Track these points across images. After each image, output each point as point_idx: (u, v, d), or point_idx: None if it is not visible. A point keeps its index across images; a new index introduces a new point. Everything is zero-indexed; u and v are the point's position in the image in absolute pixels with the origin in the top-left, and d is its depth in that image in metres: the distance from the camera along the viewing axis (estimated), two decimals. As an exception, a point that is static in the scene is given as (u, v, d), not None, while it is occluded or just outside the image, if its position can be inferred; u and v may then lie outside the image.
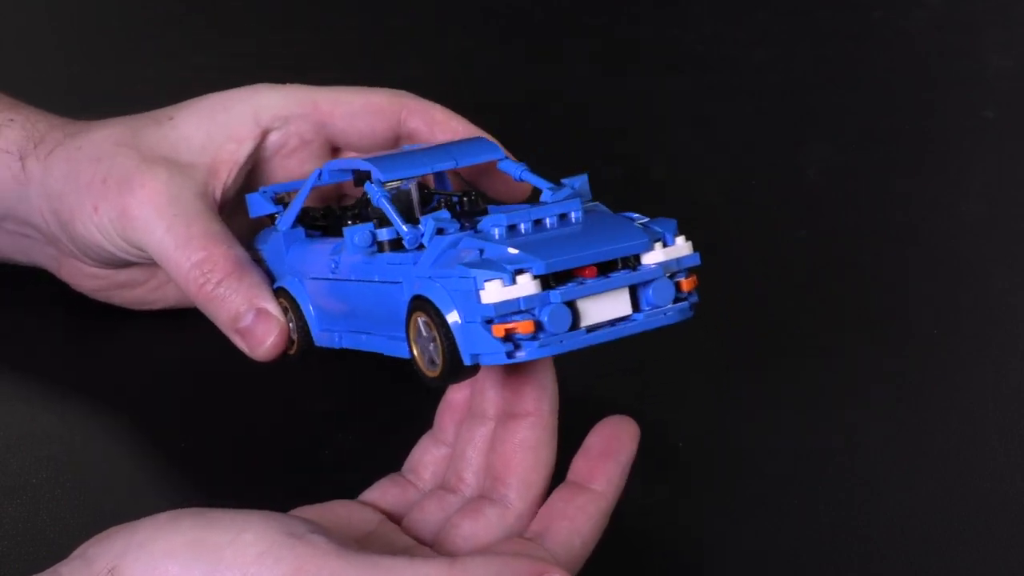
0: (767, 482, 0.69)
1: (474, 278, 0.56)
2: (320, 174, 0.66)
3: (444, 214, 0.60)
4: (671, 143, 0.98)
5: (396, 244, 0.61)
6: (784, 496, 0.68)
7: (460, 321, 0.57)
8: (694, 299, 0.59)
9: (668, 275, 0.58)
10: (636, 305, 0.58)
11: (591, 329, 0.57)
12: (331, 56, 1.08)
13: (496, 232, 0.58)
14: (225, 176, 0.71)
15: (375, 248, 0.62)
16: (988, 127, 0.99)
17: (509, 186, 0.71)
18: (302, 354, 0.67)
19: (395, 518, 0.62)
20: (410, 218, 0.63)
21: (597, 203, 0.62)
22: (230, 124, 0.71)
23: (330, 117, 0.72)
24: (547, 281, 0.56)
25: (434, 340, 0.58)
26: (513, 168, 0.65)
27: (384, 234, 0.62)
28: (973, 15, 1.13)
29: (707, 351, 0.77)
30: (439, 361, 0.58)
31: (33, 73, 1.04)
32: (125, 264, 0.73)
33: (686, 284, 0.59)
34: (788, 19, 1.13)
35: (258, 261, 0.70)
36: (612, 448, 0.60)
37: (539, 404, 0.61)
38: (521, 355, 0.56)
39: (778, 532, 0.66)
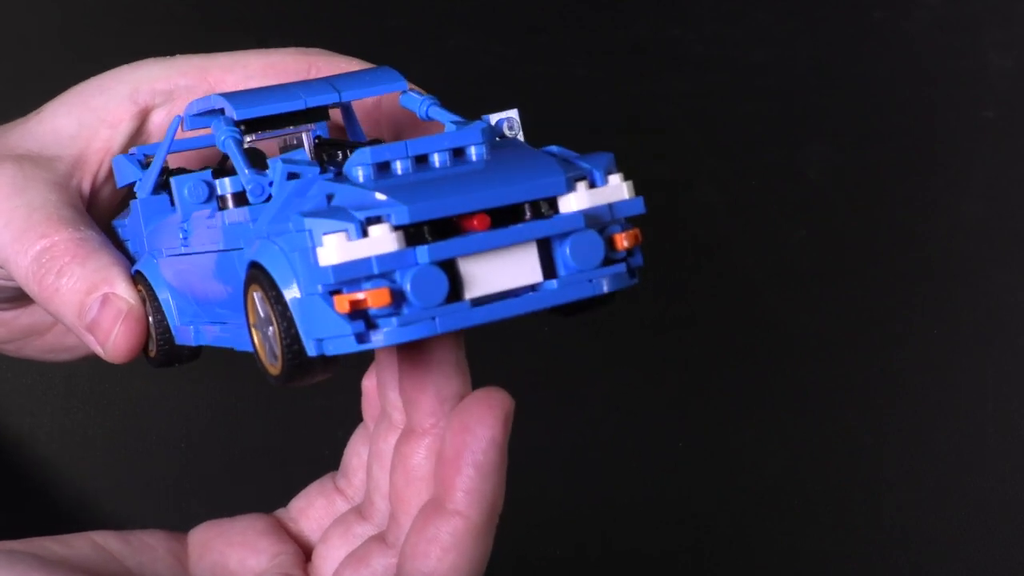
0: (767, 482, 0.69)
1: (309, 231, 0.41)
2: (181, 121, 0.52)
3: (299, 154, 0.46)
4: (671, 143, 0.98)
5: (244, 199, 0.47)
6: (784, 496, 0.68)
7: (300, 294, 0.42)
8: (637, 261, 0.45)
9: (596, 227, 0.44)
10: (550, 269, 0.43)
11: (479, 302, 0.42)
12: (331, 56, 1.08)
13: (360, 173, 0.43)
14: (96, 166, 0.59)
15: (215, 205, 0.48)
16: (988, 127, 0.99)
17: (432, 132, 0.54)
18: (166, 357, 0.53)
19: (308, 547, 0.54)
20: None
21: (515, 138, 0.48)
22: (105, 107, 0.60)
23: (223, 85, 0.59)
24: (419, 235, 0.42)
25: (271, 323, 0.44)
26: (418, 103, 0.49)
27: (227, 186, 0.47)
28: (973, 15, 1.12)
29: (707, 351, 0.77)
30: (278, 352, 0.44)
31: (32, 74, 1.04)
32: (3, 298, 0.61)
33: (622, 240, 0.44)
34: (788, 19, 1.12)
35: (120, 244, 0.57)
36: (464, 443, 0.45)
37: (437, 420, 0.47)
38: (376, 339, 0.41)
39: (778, 532, 0.66)
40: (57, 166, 0.59)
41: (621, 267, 0.44)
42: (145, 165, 0.55)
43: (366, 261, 0.41)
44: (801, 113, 1.01)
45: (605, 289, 0.44)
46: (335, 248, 0.41)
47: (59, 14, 1.15)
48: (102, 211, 0.60)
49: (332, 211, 0.42)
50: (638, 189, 0.47)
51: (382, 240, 0.41)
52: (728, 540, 0.66)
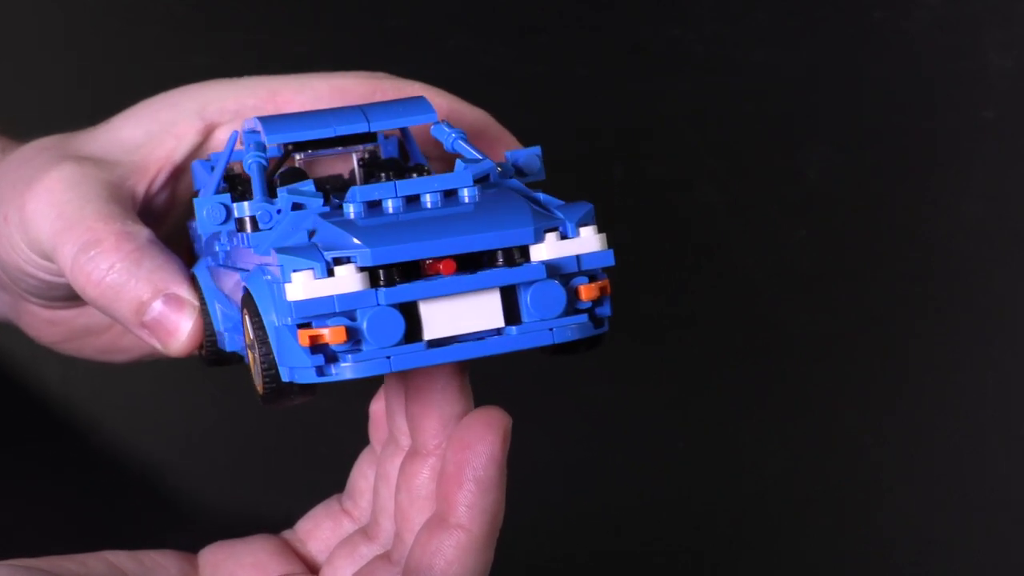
0: (767, 482, 0.69)
1: (281, 266, 0.44)
2: (238, 136, 0.55)
3: (307, 185, 0.48)
4: (671, 143, 0.98)
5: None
6: (784, 496, 0.68)
7: (276, 323, 0.45)
8: (605, 311, 0.47)
9: (561, 278, 0.46)
10: (515, 316, 0.45)
11: (435, 344, 0.45)
12: (331, 56, 1.08)
13: (351, 210, 0.46)
14: (154, 174, 0.60)
15: (233, 227, 0.50)
16: (988, 127, 0.99)
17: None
18: (216, 356, 0.56)
19: (316, 568, 0.55)
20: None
21: (514, 179, 0.50)
22: (173, 121, 0.61)
23: (290, 106, 0.60)
24: (390, 277, 0.45)
25: (255, 346, 0.47)
26: (445, 136, 0.51)
27: (245, 209, 0.49)
28: (973, 15, 1.12)
29: (707, 351, 0.77)
30: (259, 374, 0.47)
31: (32, 75, 1.04)
32: (59, 296, 0.62)
33: (587, 291, 0.46)
34: (788, 19, 1.12)
35: (189, 244, 0.60)
36: (464, 460, 0.47)
37: (440, 442, 0.49)
38: (333, 373, 0.45)
39: (778, 532, 0.66)
40: (115, 169, 0.60)
41: (583, 317, 0.46)
42: (228, 173, 0.57)
43: (328, 299, 0.44)
44: (801, 113, 1.01)
45: (566, 338, 0.45)
46: (302, 285, 0.44)
47: (59, 14, 1.15)
48: (156, 219, 0.61)
49: (306, 249, 0.45)
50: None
51: (346, 280, 0.44)
52: (728, 540, 0.66)
